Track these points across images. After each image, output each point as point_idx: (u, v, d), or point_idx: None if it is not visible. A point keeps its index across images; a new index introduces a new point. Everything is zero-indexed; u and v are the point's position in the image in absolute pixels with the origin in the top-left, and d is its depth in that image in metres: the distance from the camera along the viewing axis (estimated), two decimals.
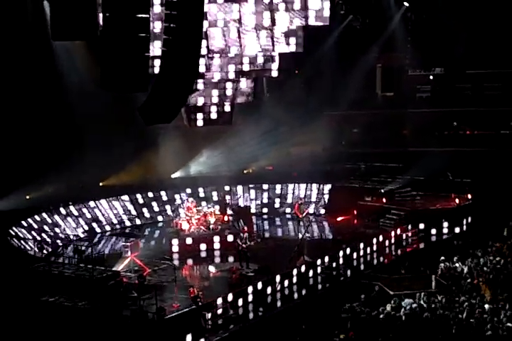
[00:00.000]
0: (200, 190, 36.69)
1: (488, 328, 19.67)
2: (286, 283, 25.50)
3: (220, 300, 22.95)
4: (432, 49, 39.36)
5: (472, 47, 38.32)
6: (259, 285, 24.50)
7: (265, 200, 37.52)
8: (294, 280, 25.87)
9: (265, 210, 37.32)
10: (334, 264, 27.49)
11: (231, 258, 29.05)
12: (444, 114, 40.99)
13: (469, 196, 34.05)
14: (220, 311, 22.76)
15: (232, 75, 30.68)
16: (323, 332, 20.94)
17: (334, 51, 38.56)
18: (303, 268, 26.36)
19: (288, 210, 36.57)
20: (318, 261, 26.95)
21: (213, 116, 31.60)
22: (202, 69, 30.34)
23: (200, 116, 31.60)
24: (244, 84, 31.58)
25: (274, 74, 31.46)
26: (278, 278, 25.26)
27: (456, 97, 41.73)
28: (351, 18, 38.42)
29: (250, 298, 24.03)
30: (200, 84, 30.78)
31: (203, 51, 29.51)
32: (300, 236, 29.48)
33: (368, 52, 39.93)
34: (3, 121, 31.12)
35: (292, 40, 30.63)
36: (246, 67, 30.67)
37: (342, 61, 38.83)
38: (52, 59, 32.06)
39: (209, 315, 22.25)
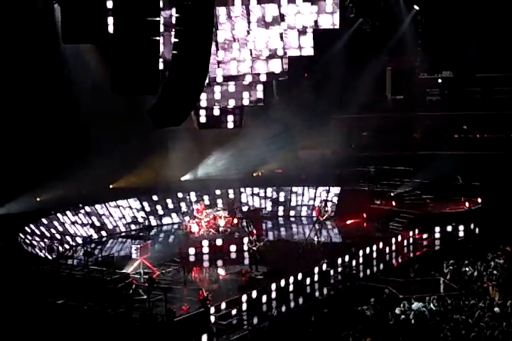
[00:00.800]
0: (210, 192, 36.75)
1: (497, 332, 19.62)
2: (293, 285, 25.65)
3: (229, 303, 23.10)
4: (442, 52, 39.27)
5: (482, 51, 38.21)
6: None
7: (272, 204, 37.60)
8: (307, 282, 26.03)
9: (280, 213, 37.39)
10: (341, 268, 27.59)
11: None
12: (454, 118, 40.93)
13: (479, 199, 33.95)
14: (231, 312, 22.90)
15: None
16: (331, 335, 20.89)
17: (344, 54, 38.51)
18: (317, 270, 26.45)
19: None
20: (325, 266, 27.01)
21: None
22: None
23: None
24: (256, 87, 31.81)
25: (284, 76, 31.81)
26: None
27: (466, 101, 41.64)
28: (361, 21, 38.36)
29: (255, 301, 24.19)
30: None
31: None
32: (314, 238, 29.66)
33: (377, 56, 39.89)
34: (14, 124, 31.24)
35: (303, 43, 30.75)
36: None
37: (352, 64, 38.79)
38: (61, 63, 32.21)
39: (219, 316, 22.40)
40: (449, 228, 31.91)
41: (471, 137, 41.20)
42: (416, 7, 38.16)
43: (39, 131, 32.09)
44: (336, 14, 30.60)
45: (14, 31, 30.01)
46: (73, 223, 33.06)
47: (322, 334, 21.15)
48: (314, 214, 32.60)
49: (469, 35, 37.61)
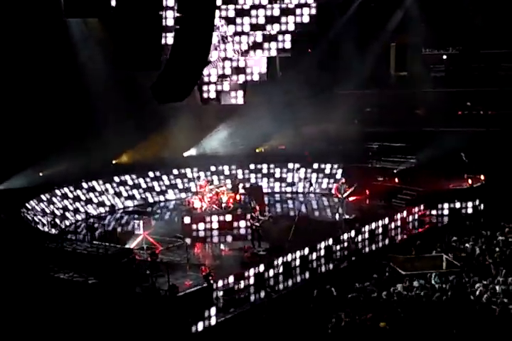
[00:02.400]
0: (212, 168, 36.75)
1: (499, 309, 19.71)
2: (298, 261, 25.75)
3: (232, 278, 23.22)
4: (447, 28, 38.98)
5: (488, 27, 37.91)
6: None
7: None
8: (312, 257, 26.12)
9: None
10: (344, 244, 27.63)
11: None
12: (458, 94, 40.71)
13: (482, 177, 33.90)
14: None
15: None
16: (331, 311, 20.98)
17: (348, 30, 38.26)
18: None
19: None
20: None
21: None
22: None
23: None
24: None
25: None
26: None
27: (471, 77, 41.39)
28: None
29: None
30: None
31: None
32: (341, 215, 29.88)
33: (382, 31, 39.62)
34: (17, 99, 31.17)
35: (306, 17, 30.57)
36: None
37: (356, 40, 38.56)
38: (66, 36, 32.13)
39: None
40: (452, 205, 31.86)
41: (475, 113, 40.98)
42: None
43: (43, 106, 32.02)
44: None
45: (17, 6, 29.91)
46: (75, 198, 33.09)
47: (323, 310, 21.24)
48: (333, 191, 32.44)
49: (474, 11, 37.28)
